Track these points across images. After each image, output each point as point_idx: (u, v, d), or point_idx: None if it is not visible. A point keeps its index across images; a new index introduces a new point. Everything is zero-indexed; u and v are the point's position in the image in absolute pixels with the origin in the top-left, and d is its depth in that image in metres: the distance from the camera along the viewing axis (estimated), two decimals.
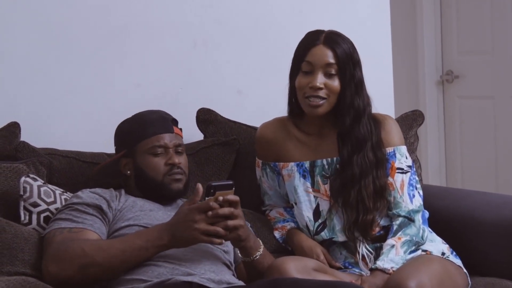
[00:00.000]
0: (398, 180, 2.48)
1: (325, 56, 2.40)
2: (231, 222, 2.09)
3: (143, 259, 2.11)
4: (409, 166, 2.52)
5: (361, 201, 2.44)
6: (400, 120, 2.84)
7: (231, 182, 2.09)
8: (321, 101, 2.42)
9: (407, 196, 2.48)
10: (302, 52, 2.44)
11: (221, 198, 2.06)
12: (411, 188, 2.49)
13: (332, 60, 2.40)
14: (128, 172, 2.40)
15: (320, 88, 2.40)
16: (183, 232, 2.06)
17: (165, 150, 2.38)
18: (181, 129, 2.47)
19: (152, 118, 2.42)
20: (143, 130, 2.39)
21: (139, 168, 2.38)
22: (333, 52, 2.40)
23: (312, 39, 2.44)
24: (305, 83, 2.42)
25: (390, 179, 2.48)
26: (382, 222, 2.49)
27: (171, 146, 2.39)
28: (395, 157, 2.50)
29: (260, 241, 2.28)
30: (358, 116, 2.44)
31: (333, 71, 2.41)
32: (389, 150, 2.50)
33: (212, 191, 2.05)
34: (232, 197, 2.09)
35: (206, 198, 2.06)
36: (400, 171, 2.49)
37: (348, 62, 2.41)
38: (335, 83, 2.41)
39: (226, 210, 2.07)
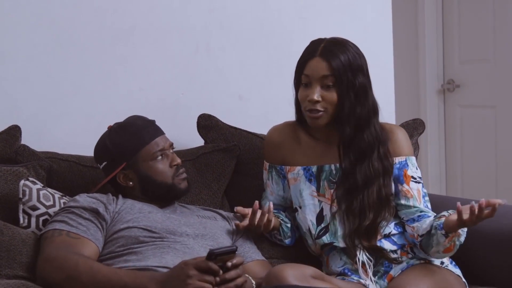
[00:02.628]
0: (415, 188, 2.48)
1: (320, 69, 2.40)
2: (240, 279, 2.08)
3: None
4: (420, 177, 2.51)
5: (363, 210, 2.43)
6: None
7: (234, 248, 2.07)
8: (320, 113, 2.42)
9: (425, 207, 2.48)
10: (301, 64, 2.44)
11: (229, 263, 2.04)
12: (425, 198, 2.49)
13: (327, 72, 2.39)
14: (131, 183, 2.40)
15: (318, 101, 2.40)
16: (176, 285, 2.01)
17: (163, 153, 2.39)
18: None
19: (141, 124, 2.41)
20: (138, 138, 2.38)
21: (145, 176, 2.38)
22: (329, 64, 2.39)
23: (310, 51, 2.43)
24: (304, 96, 2.43)
25: (405, 186, 2.47)
26: (385, 230, 2.49)
27: (168, 148, 2.41)
28: (407, 166, 2.49)
29: (250, 278, 2.25)
30: (361, 124, 2.43)
31: (330, 83, 2.40)
32: (400, 159, 2.49)
33: (213, 257, 2.03)
34: (238, 260, 2.07)
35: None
36: (414, 180, 2.49)
37: (345, 72, 2.39)
38: (333, 94, 2.41)
39: (233, 274, 2.05)
